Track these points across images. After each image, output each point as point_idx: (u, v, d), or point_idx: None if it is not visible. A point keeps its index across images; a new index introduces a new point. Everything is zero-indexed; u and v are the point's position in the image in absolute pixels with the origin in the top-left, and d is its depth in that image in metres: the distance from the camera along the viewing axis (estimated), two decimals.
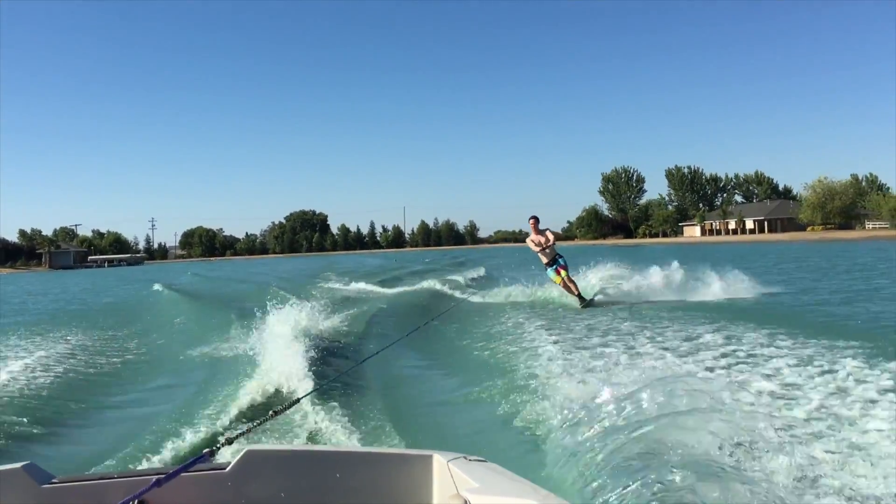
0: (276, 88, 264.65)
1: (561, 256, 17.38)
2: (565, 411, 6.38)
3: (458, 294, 22.75)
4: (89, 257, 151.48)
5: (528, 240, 17.77)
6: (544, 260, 17.51)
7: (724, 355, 9.62)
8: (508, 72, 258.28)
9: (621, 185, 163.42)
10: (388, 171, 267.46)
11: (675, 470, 4.34)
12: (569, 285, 17.12)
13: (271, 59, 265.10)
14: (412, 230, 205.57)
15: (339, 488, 2.69)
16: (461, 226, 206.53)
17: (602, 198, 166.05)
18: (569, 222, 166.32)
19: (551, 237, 17.51)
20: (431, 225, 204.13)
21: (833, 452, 5.43)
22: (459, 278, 29.61)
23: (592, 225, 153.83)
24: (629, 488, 4.36)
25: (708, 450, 4.77)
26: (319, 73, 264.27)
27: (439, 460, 2.73)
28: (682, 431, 4.97)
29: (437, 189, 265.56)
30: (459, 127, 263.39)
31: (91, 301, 32.63)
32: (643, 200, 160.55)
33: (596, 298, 17.40)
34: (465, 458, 2.76)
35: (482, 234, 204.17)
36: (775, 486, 4.49)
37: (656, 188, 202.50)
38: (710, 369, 8.80)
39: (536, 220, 17.59)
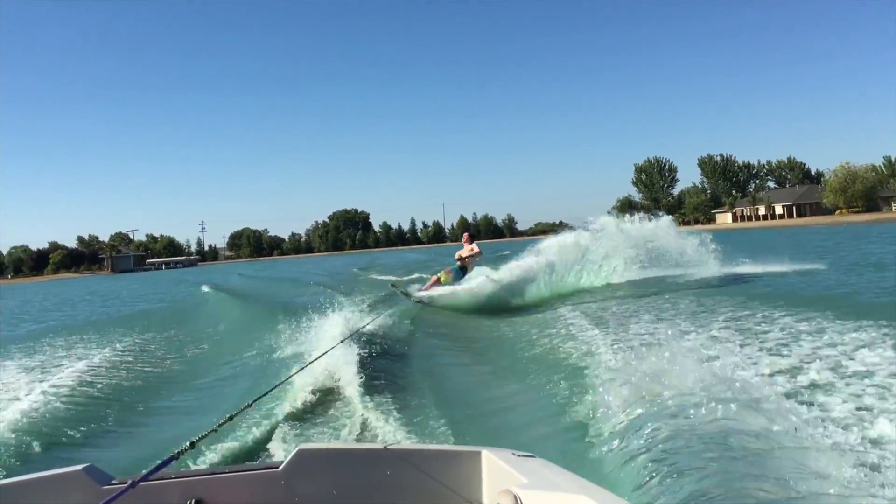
0: (314, 91, 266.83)
1: (464, 273, 18.79)
2: (617, 407, 6.08)
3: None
4: (147, 260, 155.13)
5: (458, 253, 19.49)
6: (457, 264, 18.97)
7: (782, 345, 9.02)
8: (543, 65, 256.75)
9: (654, 175, 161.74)
10: (427, 169, 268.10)
11: (735, 474, 4.09)
12: (433, 285, 18.56)
13: (312, 62, 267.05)
14: (452, 225, 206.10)
15: (390, 485, 2.65)
16: (499, 219, 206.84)
17: (636, 188, 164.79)
18: (608, 213, 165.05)
19: (476, 248, 19.20)
20: (470, 219, 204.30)
21: None
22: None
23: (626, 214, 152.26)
24: (687, 489, 4.13)
25: (772, 452, 4.45)
26: (357, 74, 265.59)
27: (488, 456, 2.67)
28: (741, 434, 4.69)
29: (475, 184, 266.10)
30: (496, 122, 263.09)
31: (146, 303, 33.16)
32: (676, 190, 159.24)
33: (419, 302, 18.32)
34: (513, 453, 2.69)
35: (521, 226, 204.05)
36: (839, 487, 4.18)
37: (689, 177, 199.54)
38: (773, 361, 8.15)
39: (470, 237, 19.91)
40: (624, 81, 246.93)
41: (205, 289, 29.53)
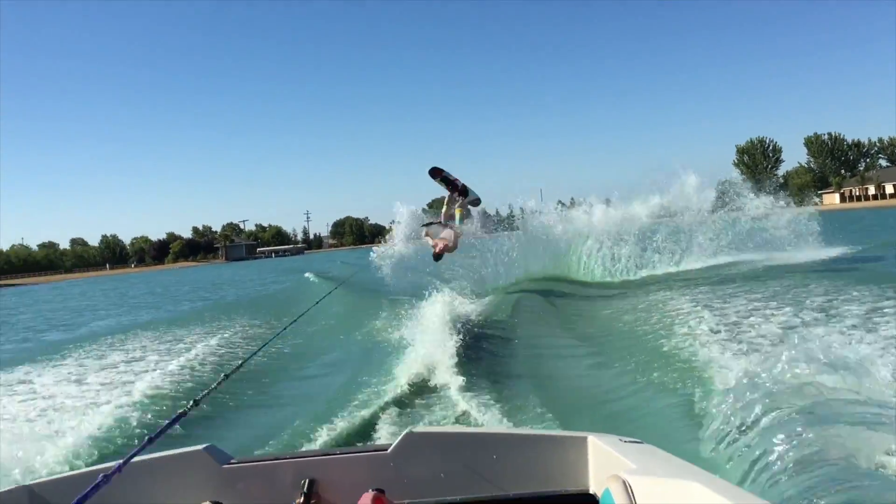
0: (403, 79, 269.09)
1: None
2: (730, 395, 5.76)
3: None
4: (257, 249, 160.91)
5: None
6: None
7: None
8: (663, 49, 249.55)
9: (757, 157, 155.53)
10: (529, 154, 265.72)
11: (855, 472, 3.78)
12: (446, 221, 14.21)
13: (412, 52, 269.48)
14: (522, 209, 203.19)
15: (496, 469, 2.63)
16: (602, 198, 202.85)
17: (738, 170, 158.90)
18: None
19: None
20: (568, 202, 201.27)
21: None
22: None
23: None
24: (804, 483, 3.87)
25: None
26: (431, 61, 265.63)
27: (594, 442, 2.62)
28: (866, 429, 4.33)
29: (580, 163, 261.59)
30: (622, 102, 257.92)
31: (256, 290, 34.57)
32: (781, 171, 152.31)
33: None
34: (620, 439, 2.64)
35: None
36: None
37: (795, 158, 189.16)
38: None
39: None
40: (728, 61, 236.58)
41: (309, 276, 30.37)
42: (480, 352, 9.89)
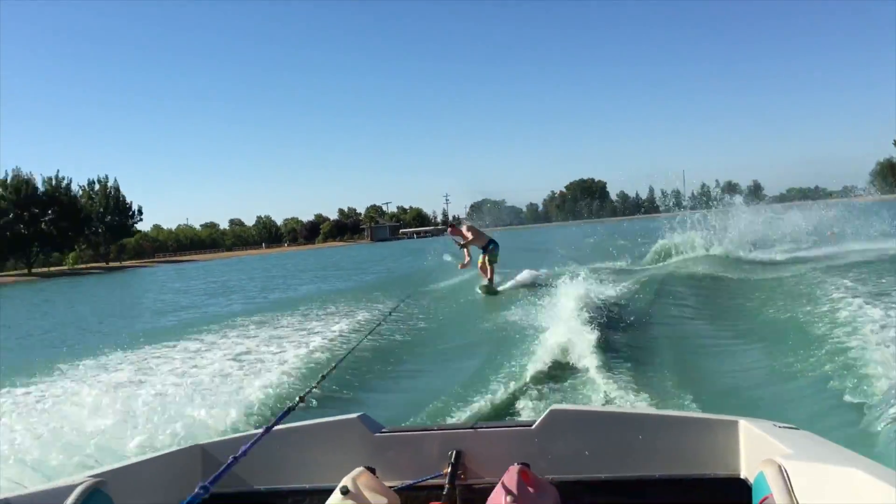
0: (559, 68, 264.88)
1: (493, 242, 17.06)
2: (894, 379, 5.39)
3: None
4: (400, 230, 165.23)
5: (458, 244, 17.53)
6: (479, 244, 17.13)
7: None
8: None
9: None
10: (664, 134, 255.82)
11: None
12: (486, 268, 16.86)
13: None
14: (692, 193, 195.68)
15: (642, 449, 2.55)
16: (744, 185, 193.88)
17: None
18: (868, 178, 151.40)
19: (469, 235, 17.14)
20: (712, 186, 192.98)
21: None
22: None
23: (888, 179, 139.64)
24: None
25: None
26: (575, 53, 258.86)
27: (746, 426, 2.48)
28: None
29: (714, 149, 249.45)
30: (746, 84, 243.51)
31: (406, 267, 35.73)
32: None
33: (499, 290, 16.59)
34: (774, 424, 2.48)
35: (769, 192, 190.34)
36: None
37: None
38: None
39: (455, 223, 18.14)
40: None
41: (447, 258, 30.99)
42: (619, 333, 9.65)
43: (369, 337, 9.93)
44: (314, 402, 6.91)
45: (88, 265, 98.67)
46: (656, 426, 2.60)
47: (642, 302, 13.21)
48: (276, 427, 2.39)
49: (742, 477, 2.47)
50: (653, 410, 3.90)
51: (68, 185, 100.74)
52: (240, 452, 1.85)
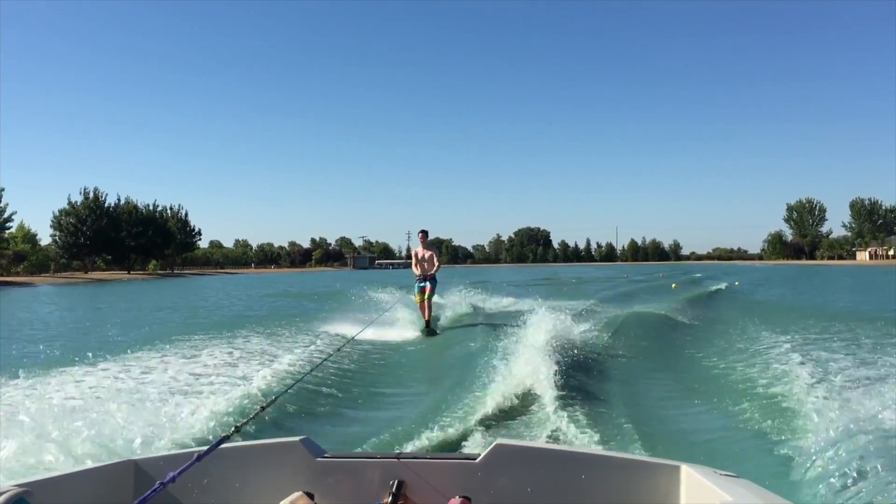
0: (505, 111, 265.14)
1: (433, 280, 14.28)
2: (827, 430, 5.05)
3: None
4: (376, 261, 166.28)
5: (414, 249, 14.81)
6: (417, 272, 14.24)
7: None
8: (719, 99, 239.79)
9: (804, 214, 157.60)
10: (602, 192, 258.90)
11: None
12: (425, 307, 14.13)
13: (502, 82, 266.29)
14: (623, 247, 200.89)
15: (584, 489, 2.27)
16: (666, 244, 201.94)
17: (787, 224, 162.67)
18: (762, 244, 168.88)
19: (436, 261, 14.34)
20: (640, 242, 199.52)
21: None
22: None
23: (777, 248, 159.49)
24: None
25: None
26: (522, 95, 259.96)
27: (688, 472, 2.24)
28: None
29: (645, 210, 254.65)
30: (668, 152, 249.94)
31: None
32: (825, 228, 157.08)
33: (438, 331, 14.27)
34: (714, 471, 2.23)
35: (684, 251, 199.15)
36: None
37: (840, 217, 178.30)
38: None
39: (425, 233, 14.58)
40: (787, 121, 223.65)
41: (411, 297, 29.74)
42: (573, 371, 8.46)
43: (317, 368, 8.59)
44: (251, 429, 5.52)
45: (165, 271, 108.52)
46: (600, 466, 2.32)
47: (599, 342, 11.98)
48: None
49: None
50: (598, 451, 3.51)
51: (163, 210, 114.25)
52: (167, 479, 1.71)
